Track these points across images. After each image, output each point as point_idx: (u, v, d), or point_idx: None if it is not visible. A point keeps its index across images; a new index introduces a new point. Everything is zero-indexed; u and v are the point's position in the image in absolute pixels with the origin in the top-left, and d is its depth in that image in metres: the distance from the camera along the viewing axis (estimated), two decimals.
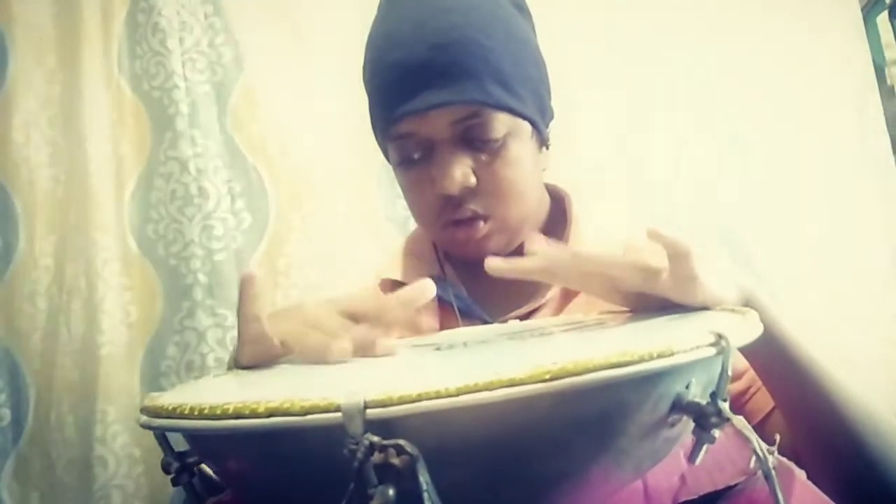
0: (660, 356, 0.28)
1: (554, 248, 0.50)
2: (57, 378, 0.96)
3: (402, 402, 0.27)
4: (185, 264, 0.97)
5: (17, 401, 0.97)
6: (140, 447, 0.95)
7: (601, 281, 0.48)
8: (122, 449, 0.94)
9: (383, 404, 0.27)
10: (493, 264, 0.49)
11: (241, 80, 1.01)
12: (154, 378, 0.96)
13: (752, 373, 0.59)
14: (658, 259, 0.45)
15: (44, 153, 1.00)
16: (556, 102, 0.71)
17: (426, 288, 0.53)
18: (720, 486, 0.41)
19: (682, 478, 0.41)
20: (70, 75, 1.00)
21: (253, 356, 0.49)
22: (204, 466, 0.38)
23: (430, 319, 0.57)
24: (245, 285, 0.49)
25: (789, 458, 0.48)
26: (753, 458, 0.31)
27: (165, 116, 1.00)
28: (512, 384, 0.27)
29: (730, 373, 0.31)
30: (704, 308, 0.45)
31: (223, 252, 0.98)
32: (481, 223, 0.65)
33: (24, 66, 1.01)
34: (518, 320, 0.66)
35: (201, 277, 0.97)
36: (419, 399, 0.27)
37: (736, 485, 0.41)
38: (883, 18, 1.02)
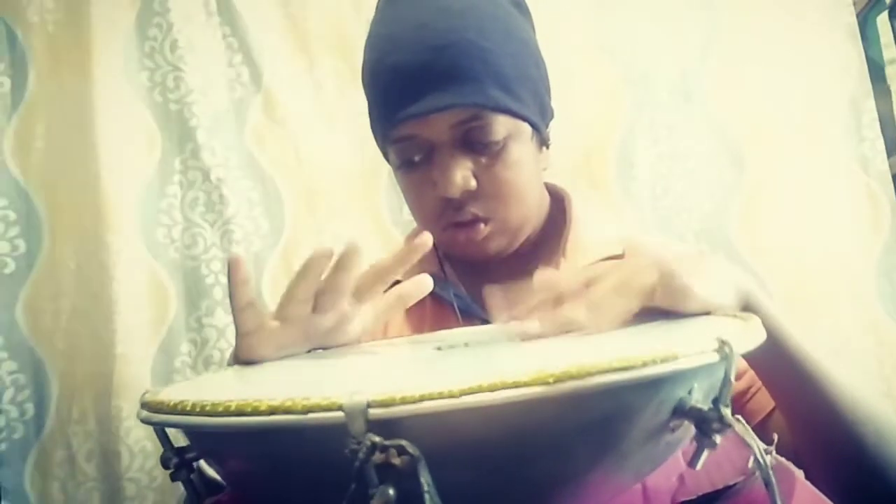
0: (663, 361, 0.28)
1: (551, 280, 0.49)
2: (80, 374, 1.00)
3: (404, 402, 0.27)
4: (206, 266, 1.02)
5: (40, 396, 1.01)
6: (152, 441, 0.98)
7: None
8: (136, 443, 0.97)
9: (386, 404, 0.27)
10: (492, 300, 0.49)
11: (259, 97, 1.05)
12: (167, 374, 1.00)
13: (752, 373, 0.59)
14: (651, 272, 0.44)
15: (64, 160, 1.03)
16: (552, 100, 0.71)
17: (423, 283, 0.53)
18: (719, 486, 0.41)
19: (681, 478, 0.41)
20: (81, 82, 1.03)
21: (251, 348, 0.49)
22: (203, 465, 0.38)
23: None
24: (232, 269, 0.48)
25: (789, 458, 0.48)
26: (753, 460, 0.31)
27: (186, 128, 1.03)
28: (515, 386, 0.27)
29: (733, 379, 0.31)
30: (705, 313, 0.45)
31: (242, 255, 1.01)
32: (482, 225, 0.65)
33: (44, 74, 1.04)
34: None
35: (222, 278, 1.02)
36: (422, 400, 0.27)
37: (734, 484, 0.41)
38: (883, 18, 1.02)
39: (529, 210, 0.68)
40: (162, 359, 1.00)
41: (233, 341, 0.98)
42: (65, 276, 1.02)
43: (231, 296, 0.49)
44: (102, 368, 0.99)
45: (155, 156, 1.04)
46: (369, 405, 0.27)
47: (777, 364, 0.51)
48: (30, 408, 1.00)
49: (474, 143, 0.63)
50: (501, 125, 0.63)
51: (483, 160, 0.64)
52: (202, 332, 1.01)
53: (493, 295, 0.50)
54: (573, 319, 0.43)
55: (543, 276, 0.49)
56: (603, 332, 0.43)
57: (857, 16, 1.00)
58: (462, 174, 0.63)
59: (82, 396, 1.00)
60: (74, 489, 0.98)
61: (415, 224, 0.75)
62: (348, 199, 1.04)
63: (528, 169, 0.66)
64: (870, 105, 0.97)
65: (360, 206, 1.04)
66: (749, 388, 0.62)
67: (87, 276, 1.01)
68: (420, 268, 0.72)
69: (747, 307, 0.48)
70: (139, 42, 1.05)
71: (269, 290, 1.02)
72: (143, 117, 1.04)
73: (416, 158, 0.65)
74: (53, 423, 1.00)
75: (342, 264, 0.48)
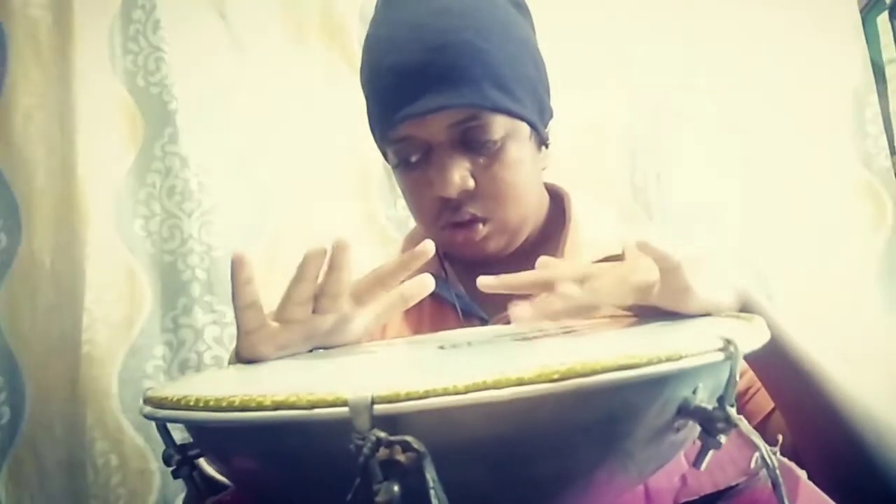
0: (668, 360, 0.28)
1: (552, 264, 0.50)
2: (50, 378, 0.94)
3: (409, 398, 0.27)
4: (183, 260, 0.96)
5: (16, 400, 0.95)
6: (117, 455, 0.90)
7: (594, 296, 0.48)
8: (101, 456, 0.90)
9: (391, 400, 0.27)
10: (485, 282, 0.50)
11: (245, 82, 1.01)
12: (137, 380, 0.93)
13: (751, 373, 0.59)
14: (651, 271, 0.45)
15: (41, 149, 0.99)
16: (553, 101, 0.71)
17: (426, 283, 0.53)
18: (721, 487, 0.41)
19: (683, 478, 0.41)
20: (62, 68, 0.99)
21: (253, 347, 0.49)
22: (203, 464, 0.38)
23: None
24: (236, 268, 0.48)
25: (790, 459, 0.48)
26: (757, 459, 0.31)
27: (166, 112, 0.99)
28: (520, 383, 0.27)
29: (737, 378, 0.31)
30: (704, 314, 0.45)
31: (222, 249, 0.97)
32: (480, 225, 0.65)
33: (23, 60, 1.00)
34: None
35: (200, 274, 0.96)
36: (427, 396, 0.27)
37: (737, 485, 0.41)
38: (883, 18, 1.03)
39: (528, 210, 0.68)
40: (132, 362, 0.93)
41: (211, 343, 0.96)
42: (40, 272, 0.96)
43: (234, 295, 0.48)
44: (71, 372, 0.93)
45: (136, 143, 0.99)
46: (374, 401, 0.27)
47: (776, 364, 0.51)
48: (6, 412, 0.94)
49: (472, 143, 0.63)
50: (499, 125, 0.63)
51: (481, 160, 0.64)
52: (178, 332, 0.95)
53: (485, 283, 0.50)
54: (567, 298, 0.43)
55: (544, 261, 0.50)
56: (598, 327, 0.44)
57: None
58: (460, 174, 0.63)
59: (51, 402, 0.93)
60: (45, 502, 0.92)
61: (411, 219, 0.75)
62: (338, 190, 1.00)
63: (527, 169, 0.66)
64: (873, 100, 0.97)
65: (352, 199, 1.00)
66: (748, 388, 0.62)
67: (59, 271, 0.95)
68: (420, 267, 0.72)
69: (745, 308, 0.49)
70: (124, 26, 1.01)
71: None
72: (125, 103, 1.00)
73: (414, 158, 0.65)
74: (26, 429, 0.93)
75: (335, 263, 0.48)
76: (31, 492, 0.93)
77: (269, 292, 0.50)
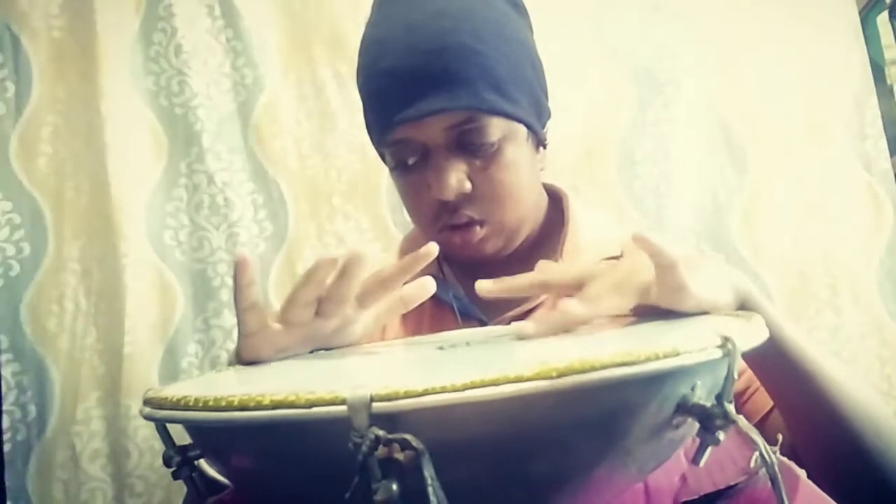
0: (666, 357, 0.28)
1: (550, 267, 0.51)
2: (84, 375, 1.02)
3: (407, 396, 0.27)
4: (213, 268, 1.04)
5: (42, 398, 1.02)
6: (160, 440, 0.98)
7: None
8: (144, 441, 0.99)
9: (389, 398, 0.27)
10: (483, 287, 0.50)
11: (262, 100, 1.06)
12: (174, 375, 1.02)
13: (750, 373, 0.59)
14: (649, 270, 0.45)
15: (68, 164, 1.05)
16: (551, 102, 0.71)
17: (426, 285, 0.53)
18: (721, 486, 0.41)
19: (683, 478, 0.41)
20: (86, 88, 1.05)
21: (254, 349, 0.49)
22: (203, 464, 0.38)
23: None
24: (238, 271, 0.48)
25: (789, 458, 0.48)
26: (756, 458, 0.31)
27: (191, 132, 1.05)
28: (518, 381, 0.27)
29: (735, 376, 0.31)
30: (702, 312, 0.45)
31: (248, 256, 1.02)
32: (478, 227, 0.65)
33: (48, 78, 1.05)
34: (516, 320, 0.66)
35: (229, 280, 1.03)
36: (425, 394, 0.27)
37: (736, 484, 0.41)
38: (883, 18, 1.02)
39: (526, 211, 0.68)
40: (169, 359, 1.02)
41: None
42: (69, 278, 1.03)
43: (235, 297, 0.49)
44: (110, 369, 1.01)
45: (161, 159, 1.06)
46: (373, 399, 0.27)
47: (776, 363, 0.51)
48: (32, 409, 1.02)
49: (469, 145, 0.63)
50: (496, 127, 0.63)
51: (477, 162, 0.64)
52: (209, 333, 1.03)
53: (483, 287, 0.50)
54: (568, 314, 0.43)
55: (543, 265, 0.50)
56: (597, 327, 0.44)
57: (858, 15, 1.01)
58: (456, 177, 0.63)
59: (86, 397, 1.01)
60: (77, 490, 0.99)
61: (413, 224, 0.75)
62: (350, 200, 1.05)
63: (524, 170, 0.66)
64: (873, 103, 0.96)
65: (362, 207, 1.05)
66: (747, 388, 0.62)
67: (93, 278, 1.03)
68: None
69: (745, 307, 0.49)
70: (144, 46, 1.06)
71: (274, 293, 1.03)
72: (149, 121, 1.06)
73: (411, 161, 0.65)
74: (56, 424, 1.01)
75: (346, 272, 0.48)
76: (62, 482, 1.00)
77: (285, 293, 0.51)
